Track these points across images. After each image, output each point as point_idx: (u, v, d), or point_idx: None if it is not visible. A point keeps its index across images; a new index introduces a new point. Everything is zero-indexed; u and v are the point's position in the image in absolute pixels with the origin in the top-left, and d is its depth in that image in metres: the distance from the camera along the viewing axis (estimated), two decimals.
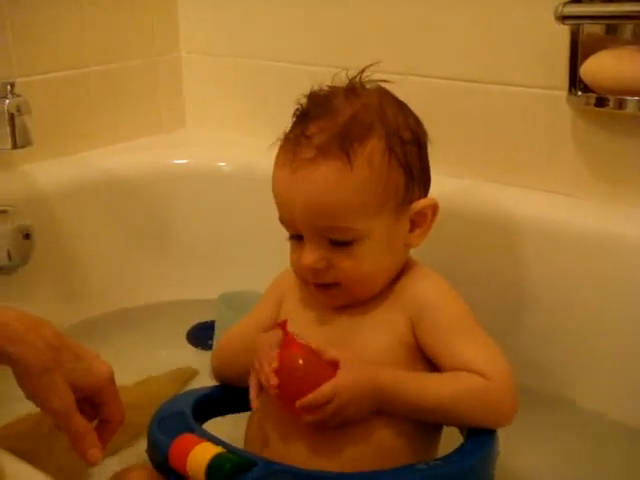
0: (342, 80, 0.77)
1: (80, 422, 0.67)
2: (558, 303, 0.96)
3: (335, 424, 0.69)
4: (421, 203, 0.76)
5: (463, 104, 1.07)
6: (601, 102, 0.94)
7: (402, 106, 0.78)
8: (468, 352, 0.71)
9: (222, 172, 1.24)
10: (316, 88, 0.77)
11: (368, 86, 0.77)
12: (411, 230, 0.77)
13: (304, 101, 0.76)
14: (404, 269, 0.78)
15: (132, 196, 1.23)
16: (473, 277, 1.00)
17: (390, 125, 0.74)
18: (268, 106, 1.28)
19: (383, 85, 0.78)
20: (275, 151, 0.77)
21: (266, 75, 1.27)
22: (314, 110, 0.74)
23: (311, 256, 0.73)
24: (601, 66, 0.93)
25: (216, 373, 0.82)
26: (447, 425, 0.75)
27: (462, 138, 1.07)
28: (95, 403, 0.71)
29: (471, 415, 0.70)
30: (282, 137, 0.76)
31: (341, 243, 0.73)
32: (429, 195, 0.79)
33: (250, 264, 1.22)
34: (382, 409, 0.70)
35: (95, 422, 0.72)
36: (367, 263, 0.74)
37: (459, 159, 1.07)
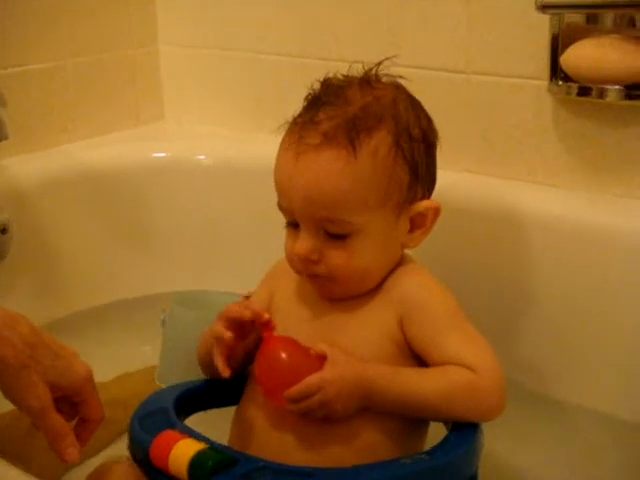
0: (358, 72, 0.76)
1: (57, 421, 0.66)
2: (549, 296, 0.95)
3: (321, 416, 0.68)
4: (423, 204, 0.75)
5: (443, 94, 1.05)
6: (582, 91, 0.93)
7: (415, 103, 0.77)
8: (456, 347, 0.71)
9: (202, 165, 1.23)
10: (331, 75, 0.77)
11: (384, 80, 0.76)
12: (410, 230, 0.76)
13: (317, 87, 0.76)
14: (399, 265, 0.77)
15: (110, 190, 1.21)
16: (462, 270, 0.99)
17: (400, 120, 0.73)
18: (248, 98, 1.26)
19: (399, 81, 0.77)
20: (279, 136, 0.76)
21: (246, 67, 1.26)
22: (325, 97, 0.74)
23: (305, 246, 0.72)
24: (582, 55, 0.92)
25: (204, 368, 0.81)
26: (435, 420, 0.74)
27: (442, 129, 1.05)
28: (74, 402, 0.69)
29: (458, 409, 0.69)
30: (290, 121, 0.75)
31: (336, 236, 0.72)
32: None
33: (231, 259, 1.20)
34: (369, 405, 0.70)
35: (74, 422, 0.70)
36: (360, 259, 0.73)
37: (439, 150, 1.06)
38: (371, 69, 0.76)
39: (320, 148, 0.71)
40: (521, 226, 0.96)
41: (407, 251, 0.79)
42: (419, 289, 0.75)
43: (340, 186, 0.70)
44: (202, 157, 1.23)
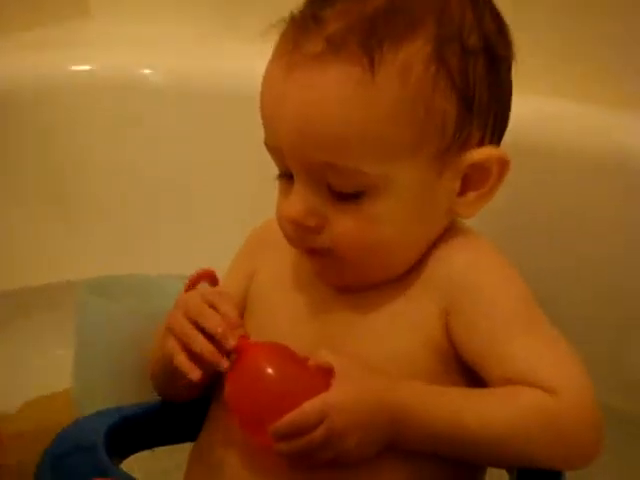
0: None
1: None
2: None
3: (325, 460, 0.68)
4: (481, 153, 0.74)
5: None
6: None
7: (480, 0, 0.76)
8: (527, 356, 0.71)
9: (147, 84, 1.23)
10: None
11: None
12: (462, 192, 0.75)
13: None
14: (442, 237, 0.77)
15: (12, 121, 1.20)
16: (538, 244, 0.99)
17: (450, 23, 0.72)
18: None
19: None
20: (266, 42, 0.75)
21: None
22: None
23: (297, 205, 0.72)
24: None
25: (155, 382, 0.82)
26: (493, 466, 0.74)
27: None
28: None
29: (531, 450, 0.69)
30: (287, 19, 0.74)
31: (346, 195, 0.72)
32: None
33: (194, 229, 1.21)
34: (399, 443, 0.69)
35: None
36: (381, 229, 0.73)
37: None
38: None
39: (322, 60, 0.70)
40: (629, 177, 0.96)
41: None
42: (473, 270, 0.74)
43: (349, 118, 0.70)
44: (147, 72, 1.23)
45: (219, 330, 0.72)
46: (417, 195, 0.73)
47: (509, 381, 0.70)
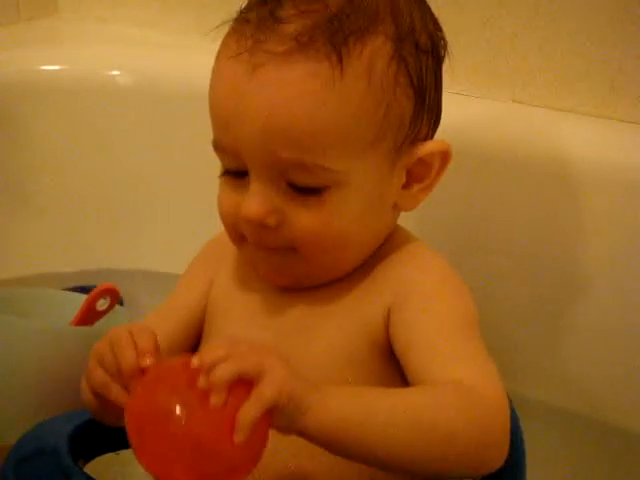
0: None
1: None
2: (605, 285, 0.97)
3: None
4: (429, 147, 0.76)
5: None
6: None
7: (420, 0, 0.78)
8: (460, 367, 0.70)
9: (115, 85, 1.23)
10: None
11: None
12: (406, 185, 0.77)
13: None
14: (389, 242, 0.78)
15: None
16: (479, 247, 1.01)
17: (403, 22, 0.74)
18: None
19: None
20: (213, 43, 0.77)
21: None
22: None
23: (257, 205, 0.73)
24: None
25: (90, 406, 0.75)
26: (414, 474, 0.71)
27: (473, 32, 1.07)
28: None
29: (450, 454, 0.67)
30: (234, 17, 0.76)
31: (306, 190, 0.73)
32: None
33: (152, 222, 1.22)
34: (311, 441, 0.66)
35: None
36: (340, 223, 0.74)
37: (467, 67, 1.07)
38: None
39: (289, 58, 0.71)
40: (593, 186, 0.97)
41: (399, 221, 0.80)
42: (423, 277, 0.76)
43: (318, 114, 0.71)
44: (116, 73, 1.23)
45: (124, 365, 0.68)
46: (373, 189, 0.75)
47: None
